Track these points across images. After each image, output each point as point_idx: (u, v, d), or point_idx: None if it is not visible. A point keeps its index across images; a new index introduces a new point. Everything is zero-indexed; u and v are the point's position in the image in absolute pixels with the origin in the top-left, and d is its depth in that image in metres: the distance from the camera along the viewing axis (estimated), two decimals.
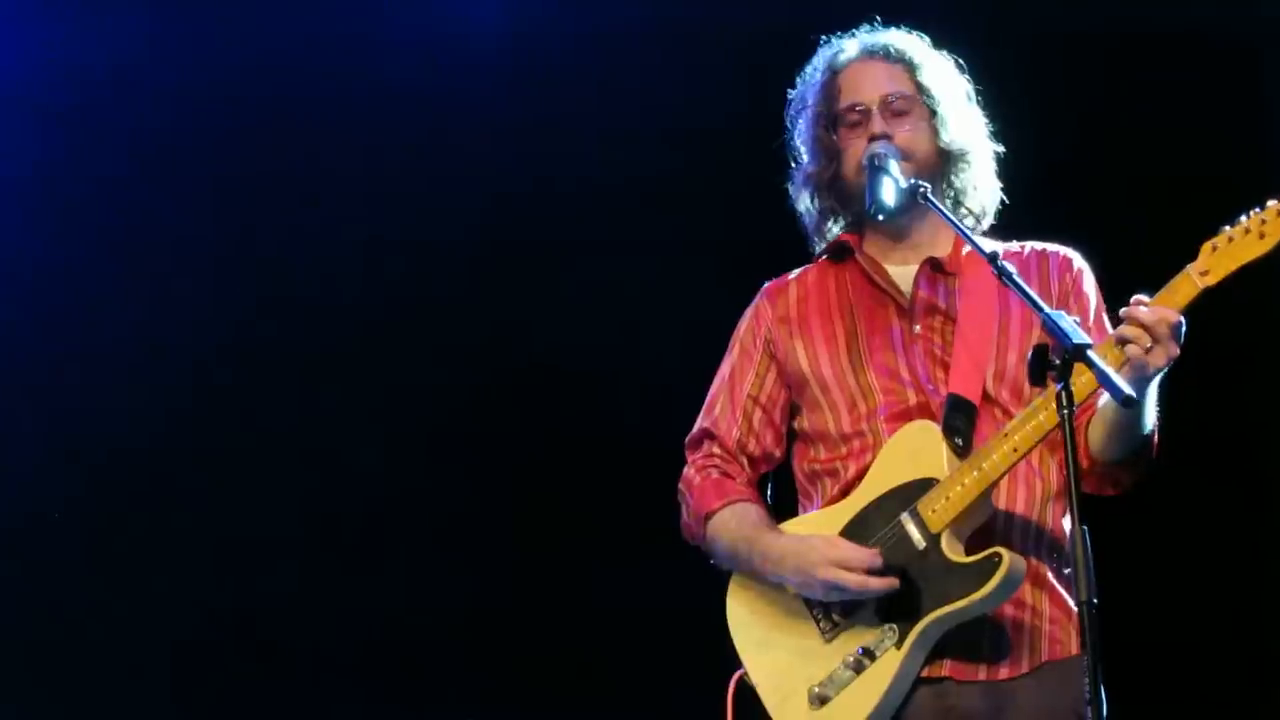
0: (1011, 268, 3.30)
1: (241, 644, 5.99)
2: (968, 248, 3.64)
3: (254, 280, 6.00)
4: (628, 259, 5.82)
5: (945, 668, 3.48)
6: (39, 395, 5.98)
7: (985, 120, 3.83)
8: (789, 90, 3.94)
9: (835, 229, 3.85)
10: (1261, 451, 5.65)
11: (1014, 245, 3.76)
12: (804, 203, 3.86)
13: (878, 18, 3.84)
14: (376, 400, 6.06)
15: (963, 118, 3.76)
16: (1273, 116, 5.46)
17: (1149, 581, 5.31)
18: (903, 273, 3.72)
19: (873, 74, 3.74)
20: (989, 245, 3.51)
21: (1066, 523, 3.52)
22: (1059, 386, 3.04)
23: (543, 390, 5.99)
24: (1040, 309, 3.18)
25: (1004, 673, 3.48)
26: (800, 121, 3.84)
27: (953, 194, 3.76)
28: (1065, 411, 3.02)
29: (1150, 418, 3.43)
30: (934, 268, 3.70)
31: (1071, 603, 3.50)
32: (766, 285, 3.87)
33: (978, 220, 3.78)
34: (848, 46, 3.81)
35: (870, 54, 3.76)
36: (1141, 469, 3.52)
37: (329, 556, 5.98)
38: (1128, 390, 3.05)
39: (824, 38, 3.85)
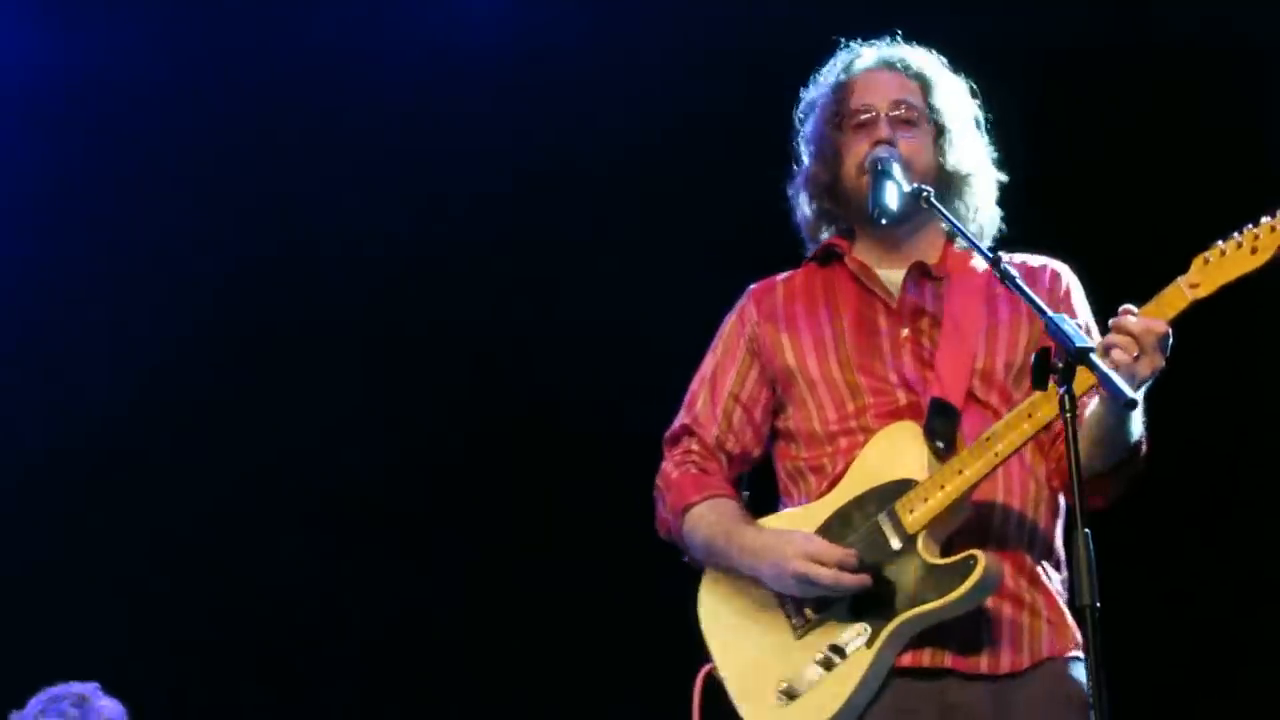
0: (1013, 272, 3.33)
1: (239, 641, 6.00)
2: (958, 252, 3.69)
3: (253, 281, 6.01)
4: (629, 258, 5.83)
5: (947, 660, 3.48)
6: (35, 394, 5.99)
7: (992, 148, 3.84)
8: (786, 91, 3.95)
9: (827, 234, 3.85)
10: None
11: (1003, 256, 3.75)
12: (801, 204, 3.87)
13: (899, 31, 3.85)
14: (377, 398, 6.07)
15: (969, 142, 3.78)
16: (1273, 121, 5.48)
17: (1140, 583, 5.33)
18: (891, 277, 3.74)
19: (886, 82, 3.76)
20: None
21: (1059, 523, 3.60)
22: (1062, 390, 3.05)
23: (542, 390, 6.01)
24: (1043, 312, 3.20)
25: (1005, 667, 3.49)
26: (808, 121, 3.85)
27: (952, 214, 3.73)
28: (1069, 415, 3.03)
29: (1137, 426, 3.44)
30: (921, 272, 3.72)
31: (1063, 603, 3.54)
32: (752, 286, 3.87)
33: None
34: (865, 54, 3.83)
35: (887, 65, 3.79)
36: (1126, 480, 3.52)
37: (326, 554, 5.99)
38: (1130, 393, 3.07)
39: (842, 40, 3.86)
